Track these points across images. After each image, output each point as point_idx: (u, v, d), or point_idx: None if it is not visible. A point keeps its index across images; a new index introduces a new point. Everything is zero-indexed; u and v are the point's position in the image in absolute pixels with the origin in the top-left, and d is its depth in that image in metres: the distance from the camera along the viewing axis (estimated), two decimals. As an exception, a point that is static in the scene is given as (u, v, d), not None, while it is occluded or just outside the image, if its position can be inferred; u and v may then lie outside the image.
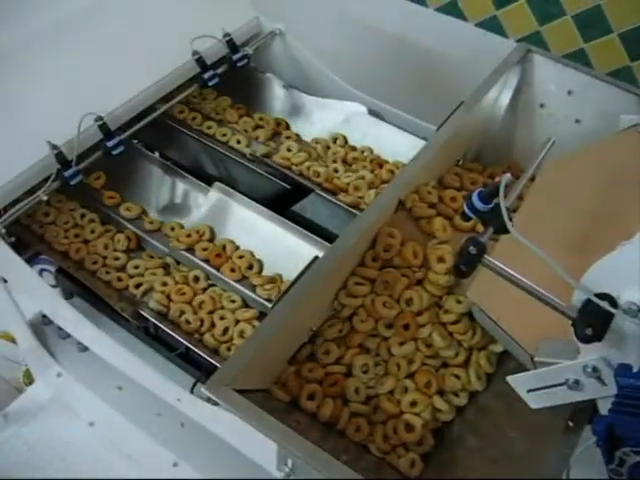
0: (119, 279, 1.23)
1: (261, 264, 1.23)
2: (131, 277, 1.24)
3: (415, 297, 1.02)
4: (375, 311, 1.02)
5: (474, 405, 0.99)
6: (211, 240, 1.27)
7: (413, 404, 0.96)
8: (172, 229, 1.30)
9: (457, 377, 0.99)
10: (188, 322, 1.15)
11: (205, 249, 1.24)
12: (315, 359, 1.00)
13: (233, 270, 1.20)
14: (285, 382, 0.95)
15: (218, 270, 1.22)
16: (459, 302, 1.02)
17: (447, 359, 1.01)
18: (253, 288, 1.19)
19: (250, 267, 1.22)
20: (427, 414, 0.96)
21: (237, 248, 1.26)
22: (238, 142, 1.46)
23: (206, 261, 1.23)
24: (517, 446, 0.90)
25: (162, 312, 1.18)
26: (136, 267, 1.25)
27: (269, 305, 1.15)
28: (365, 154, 1.46)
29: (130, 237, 1.29)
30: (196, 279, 1.22)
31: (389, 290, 1.04)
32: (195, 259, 1.24)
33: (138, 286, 1.22)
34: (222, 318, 1.16)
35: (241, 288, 1.20)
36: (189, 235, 1.26)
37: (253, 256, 1.24)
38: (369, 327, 1.02)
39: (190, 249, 1.25)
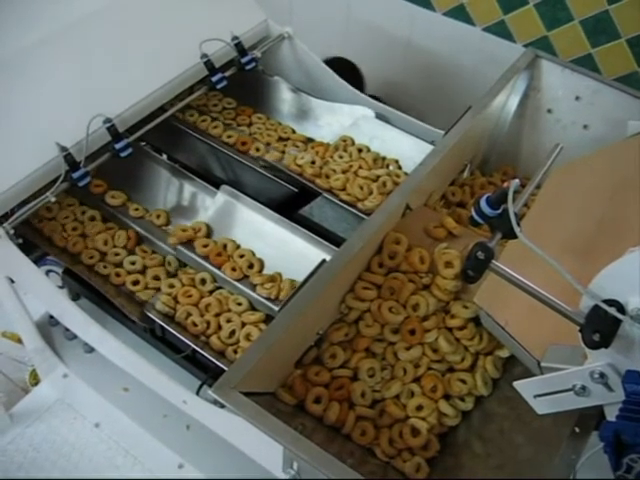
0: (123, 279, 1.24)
1: (262, 263, 1.23)
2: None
3: (421, 302, 1.02)
4: (381, 317, 1.02)
5: (480, 410, 0.99)
6: (208, 236, 1.28)
7: (419, 408, 0.96)
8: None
9: (463, 382, 0.99)
10: (195, 324, 1.16)
11: (205, 245, 1.24)
12: (321, 363, 1.00)
13: (234, 269, 1.21)
14: (291, 385, 0.95)
15: (219, 269, 1.22)
16: (466, 307, 1.02)
17: (453, 364, 1.01)
18: (254, 287, 1.19)
19: (250, 266, 1.22)
20: (433, 418, 0.96)
21: (238, 247, 1.26)
22: (245, 145, 1.46)
23: (206, 258, 1.23)
24: (523, 452, 0.90)
25: (169, 314, 1.18)
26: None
27: (276, 308, 1.15)
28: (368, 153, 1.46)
29: (130, 236, 1.29)
30: (203, 281, 1.22)
31: (395, 296, 1.04)
32: (198, 259, 1.24)
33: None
34: (229, 321, 1.16)
35: (248, 291, 1.20)
36: (185, 230, 1.26)
37: (254, 255, 1.24)
38: (375, 332, 1.02)
39: (189, 245, 1.24)
